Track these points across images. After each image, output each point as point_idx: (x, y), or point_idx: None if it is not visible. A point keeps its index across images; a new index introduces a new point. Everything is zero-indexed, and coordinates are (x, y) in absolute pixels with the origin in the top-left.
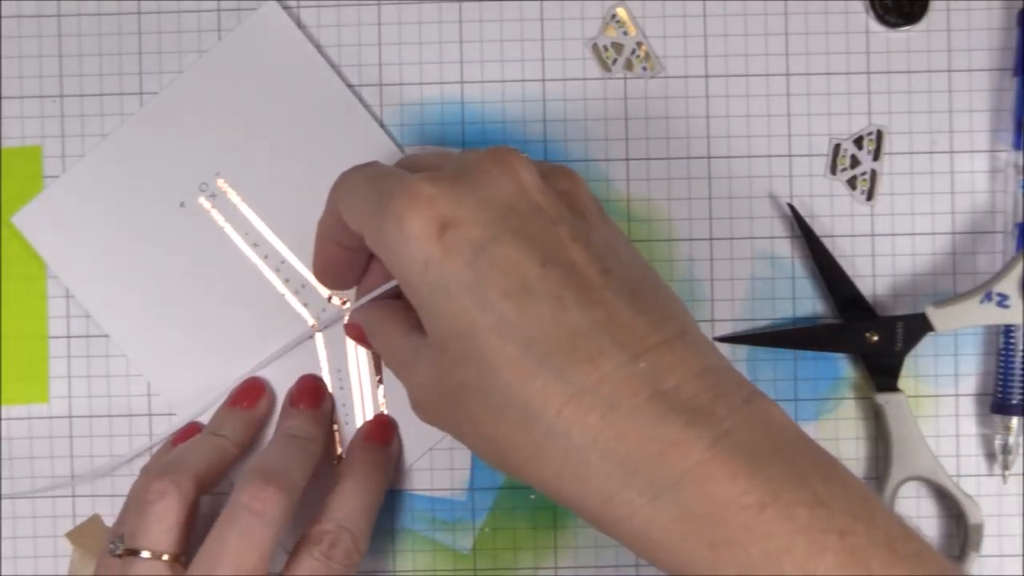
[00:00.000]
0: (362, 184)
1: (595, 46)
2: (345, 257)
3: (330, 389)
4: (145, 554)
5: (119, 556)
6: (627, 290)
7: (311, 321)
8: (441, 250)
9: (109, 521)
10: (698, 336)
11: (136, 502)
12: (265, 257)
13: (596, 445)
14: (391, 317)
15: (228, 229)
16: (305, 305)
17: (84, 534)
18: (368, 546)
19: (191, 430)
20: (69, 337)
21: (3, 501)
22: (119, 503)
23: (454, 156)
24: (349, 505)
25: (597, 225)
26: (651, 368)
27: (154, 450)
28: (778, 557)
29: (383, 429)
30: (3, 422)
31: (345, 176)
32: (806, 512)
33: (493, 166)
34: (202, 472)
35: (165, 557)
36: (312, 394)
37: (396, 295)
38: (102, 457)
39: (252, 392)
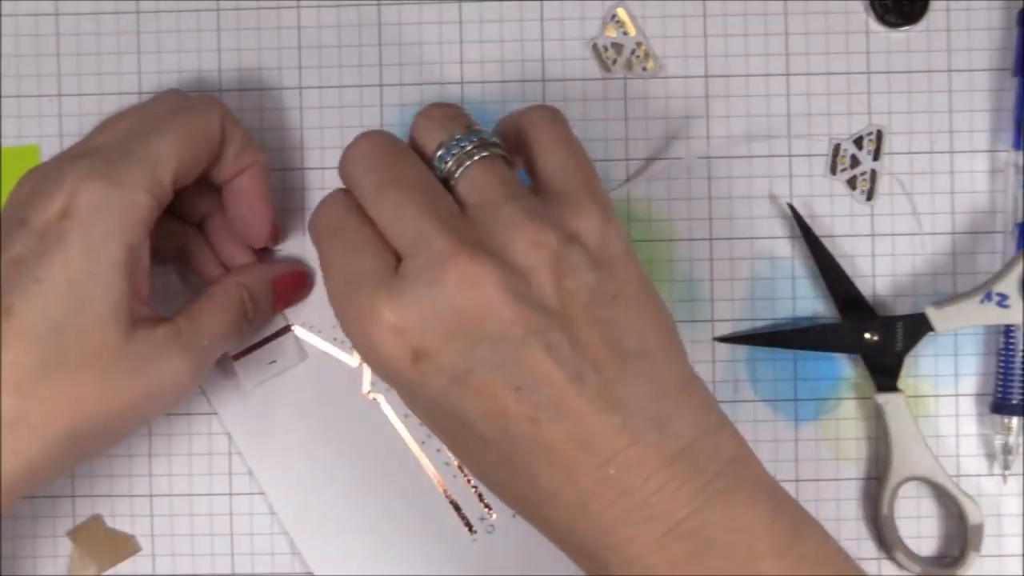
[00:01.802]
0: (330, 268)
1: (595, 46)
2: None
3: None
4: None
5: None
6: (601, 384)
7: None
8: (418, 377)
9: (109, 521)
10: (676, 409)
11: None
12: (436, 451)
13: (568, 534)
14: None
15: (398, 424)
16: (459, 510)
17: (84, 534)
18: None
19: None
20: None
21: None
22: (119, 503)
23: (419, 243)
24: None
25: (567, 297)
26: (619, 472)
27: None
28: None
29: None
30: None
31: (315, 233)
32: None
33: (457, 282)
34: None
35: None
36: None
37: None
38: (102, 457)
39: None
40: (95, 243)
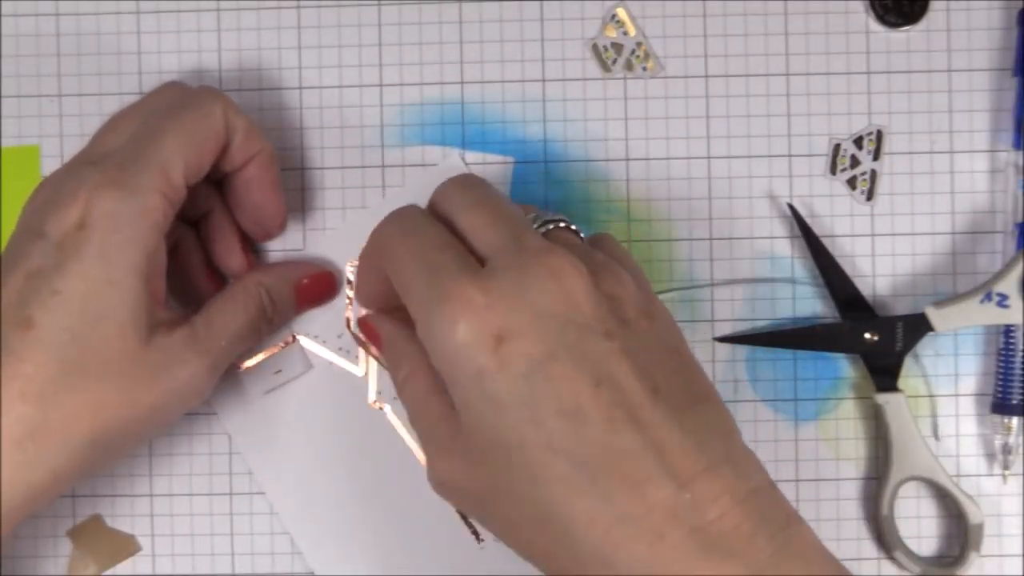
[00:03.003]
0: (409, 261)
1: (595, 46)
2: (390, 287)
3: None
4: None
5: None
6: (675, 408)
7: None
8: (497, 363)
9: (109, 521)
10: (741, 452)
11: None
12: None
13: (642, 572)
14: (428, 385)
15: (404, 433)
16: (466, 519)
17: (84, 534)
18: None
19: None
20: None
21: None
22: (119, 503)
23: (509, 242)
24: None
25: (644, 330)
26: (695, 499)
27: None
28: None
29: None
30: None
31: (388, 238)
32: None
33: (547, 272)
34: None
35: None
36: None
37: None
38: None
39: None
40: (112, 251)
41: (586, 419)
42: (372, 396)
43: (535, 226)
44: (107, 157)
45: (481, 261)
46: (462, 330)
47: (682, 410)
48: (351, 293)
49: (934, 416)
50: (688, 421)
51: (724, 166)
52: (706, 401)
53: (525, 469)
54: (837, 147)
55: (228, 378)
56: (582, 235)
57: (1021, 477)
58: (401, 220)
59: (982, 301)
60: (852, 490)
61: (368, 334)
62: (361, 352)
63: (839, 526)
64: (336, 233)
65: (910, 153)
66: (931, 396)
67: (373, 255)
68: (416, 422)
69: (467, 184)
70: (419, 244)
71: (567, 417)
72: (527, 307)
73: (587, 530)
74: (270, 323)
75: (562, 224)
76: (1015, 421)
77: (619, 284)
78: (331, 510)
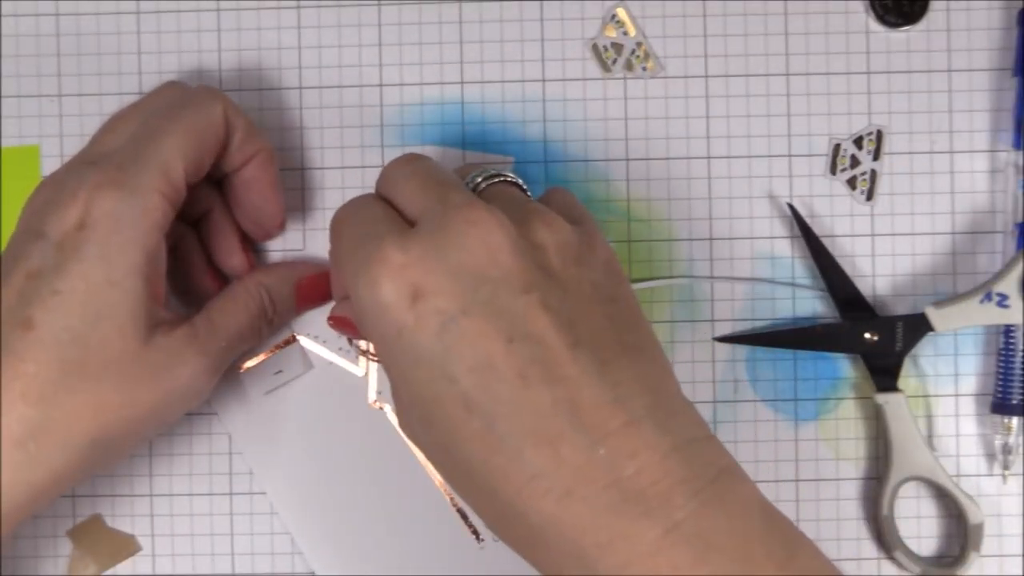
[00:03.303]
0: (346, 238)
1: (595, 46)
2: None
3: None
4: None
5: None
6: (597, 361)
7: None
8: (413, 319)
9: (109, 521)
10: (671, 406)
11: None
12: None
13: (550, 529)
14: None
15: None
16: (466, 519)
17: (84, 534)
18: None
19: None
20: None
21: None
22: (119, 503)
23: (429, 198)
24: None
25: (572, 279)
26: (611, 454)
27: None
28: None
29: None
30: None
31: (335, 224)
32: None
33: (468, 227)
34: None
35: None
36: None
37: None
38: None
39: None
40: (112, 252)
41: (498, 376)
42: (372, 396)
43: (479, 180)
44: (107, 157)
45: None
46: (382, 289)
47: (605, 362)
48: None
49: (928, 416)
50: (611, 374)
51: (724, 166)
52: (637, 352)
53: (444, 425)
54: (837, 147)
55: (228, 378)
56: (526, 188)
57: (1021, 477)
58: (347, 206)
59: (982, 301)
60: (852, 490)
61: (344, 326)
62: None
63: (839, 526)
64: None
65: (910, 153)
66: (931, 396)
67: (330, 245)
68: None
69: (403, 160)
70: (357, 221)
71: (479, 374)
72: (443, 263)
73: (503, 486)
74: (270, 323)
75: (505, 179)
76: (1015, 421)
77: (549, 231)
78: (331, 509)
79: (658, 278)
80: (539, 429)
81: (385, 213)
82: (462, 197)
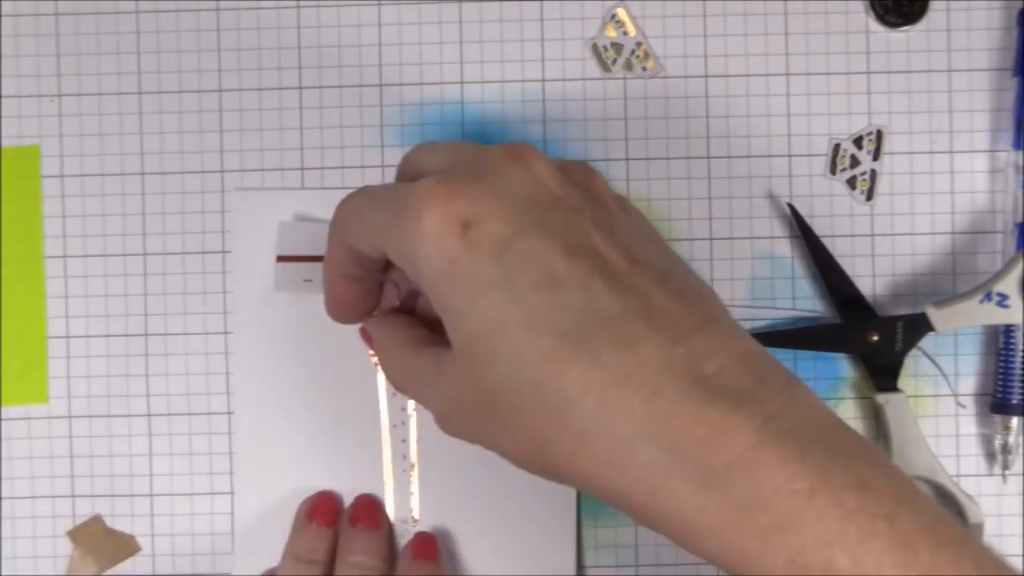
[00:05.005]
0: (367, 204)
1: (595, 46)
2: (357, 290)
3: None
4: None
5: None
6: (655, 276)
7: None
8: (465, 248)
9: (109, 521)
10: (732, 321)
11: None
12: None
13: (642, 432)
14: (401, 336)
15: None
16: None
17: (84, 534)
18: None
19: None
20: (69, 337)
21: (3, 501)
22: (119, 503)
23: (462, 154)
24: None
25: (619, 216)
26: (689, 352)
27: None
28: (829, 543)
29: (370, 510)
30: (3, 422)
31: (344, 205)
32: (854, 497)
33: (508, 161)
34: None
35: None
36: (371, 513)
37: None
38: (101, 457)
39: (330, 509)
40: None
41: (563, 288)
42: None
43: None
44: None
45: None
46: (428, 223)
47: (664, 277)
48: None
49: (928, 416)
50: (672, 286)
51: (724, 166)
52: (690, 277)
53: (510, 352)
54: (837, 147)
55: (255, 271)
56: None
57: (1021, 477)
58: (362, 189)
59: (982, 301)
60: None
61: (367, 340)
62: None
63: None
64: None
65: (910, 153)
66: (931, 396)
67: (339, 227)
68: (410, 392)
69: (425, 143)
70: (372, 188)
71: (543, 289)
72: (490, 191)
73: (582, 399)
74: None
75: None
76: (1015, 421)
77: (589, 177)
78: (280, 440)
79: None
80: (614, 333)
81: (420, 174)
82: (503, 145)
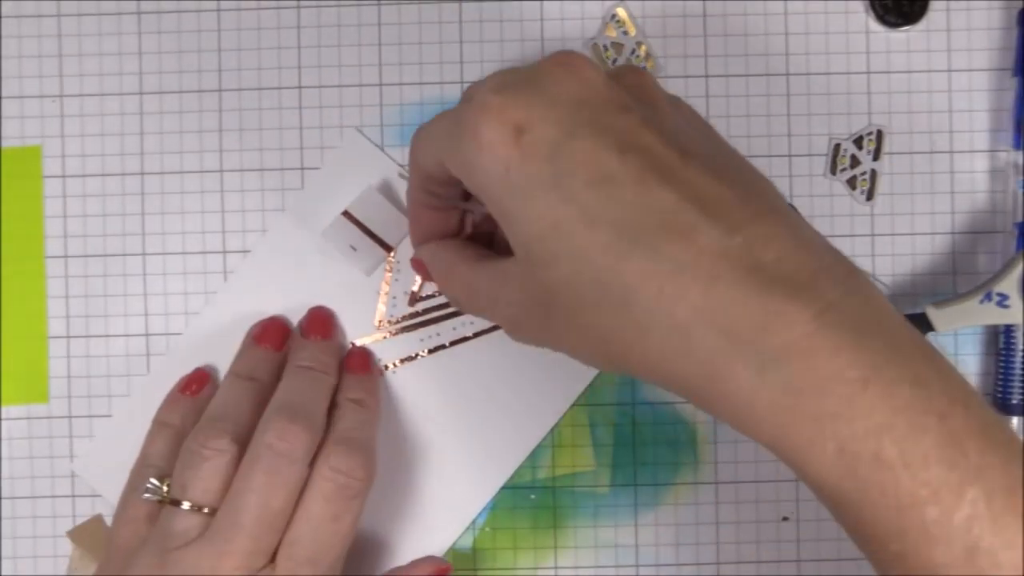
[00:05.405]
0: (434, 124)
1: (595, 46)
2: (439, 219)
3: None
4: (186, 505)
5: (158, 502)
6: (710, 168)
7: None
8: (519, 153)
9: (109, 521)
10: (791, 211)
11: (190, 454)
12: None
13: (700, 319)
14: (459, 256)
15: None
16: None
17: (84, 534)
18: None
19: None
20: (69, 337)
21: (3, 501)
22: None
23: (515, 70)
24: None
25: (669, 113)
26: (747, 241)
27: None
28: (878, 434)
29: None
30: (3, 422)
31: (417, 129)
32: (908, 391)
33: (556, 67)
34: (250, 423)
35: (205, 510)
36: (323, 324)
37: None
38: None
39: (279, 332)
40: None
41: (617, 184)
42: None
43: None
44: None
45: None
46: (482, 133)
47: (719, 169)
48: None
49: None
50: (727, 178)
51: None
52: (746, 168)
53: (569, 250)
54: (837, 147)
55: (311, 211)
56: None
57: None
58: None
59: (982, 301)
60: None
61: (421, 269)
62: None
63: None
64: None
65: (910, 153)
66: None
67: (413, 150)
68: (476, 307)
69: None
70: (446, 110)
71: (598, 186)
72: (540, 96)
73: (641, 291)
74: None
75: None
76: (1015, 421)
77: (638, 77)
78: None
79: None
80: (670, 225)
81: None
82: (546, 56)
